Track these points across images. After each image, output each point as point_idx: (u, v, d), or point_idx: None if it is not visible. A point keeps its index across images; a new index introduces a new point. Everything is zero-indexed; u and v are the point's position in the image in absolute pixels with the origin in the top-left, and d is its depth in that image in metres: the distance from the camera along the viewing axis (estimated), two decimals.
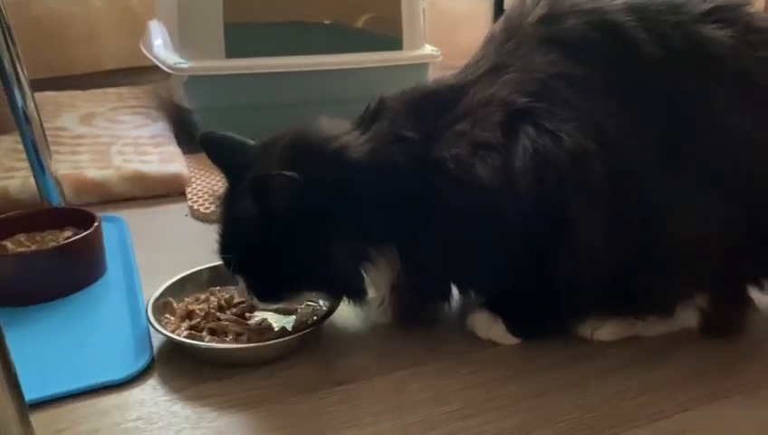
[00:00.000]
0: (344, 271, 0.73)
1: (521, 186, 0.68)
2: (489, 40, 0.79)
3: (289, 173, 0.67)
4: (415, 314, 0.81)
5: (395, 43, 1.55)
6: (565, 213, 0.68)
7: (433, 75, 1.59)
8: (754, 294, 0.80)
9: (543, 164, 0.68)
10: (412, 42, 1.55)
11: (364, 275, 0.75)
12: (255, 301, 0.77)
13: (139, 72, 1.99)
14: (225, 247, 0.75)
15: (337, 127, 0.77)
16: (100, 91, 1.85)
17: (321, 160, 0.72)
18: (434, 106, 0.75)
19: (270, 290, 0.76)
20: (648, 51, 0.69)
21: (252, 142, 0.80)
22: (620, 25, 0.70)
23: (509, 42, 0.75)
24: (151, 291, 0.83)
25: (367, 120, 0.77)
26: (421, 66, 1.56)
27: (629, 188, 0.68)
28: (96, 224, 0.92)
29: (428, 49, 1.58)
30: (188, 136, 1.53)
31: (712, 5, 0.71)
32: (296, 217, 0.70)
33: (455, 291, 0.81)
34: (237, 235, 0.74)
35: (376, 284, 0.78)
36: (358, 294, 0.76)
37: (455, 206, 0.71)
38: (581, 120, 0.68)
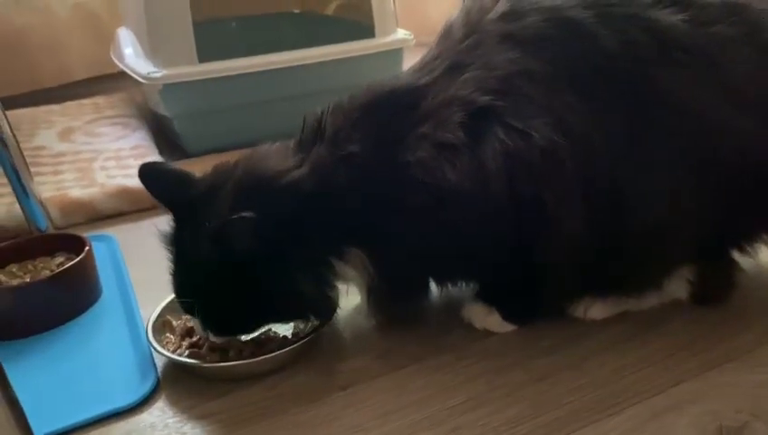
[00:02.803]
0: (310, 297, 0.74)
1: (494, 187, 0.69)
2: (446, 34, 0.78)
3: (247, 214, 0.67)
4: (395, 312, 0.81)
5: (367, 30, 1.55)
6: (542, 206, 0.70)
7: (407, 58, 1.59)
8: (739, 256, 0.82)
9: (516, 164, 0.69)
10: (384, 28, 1.54)
11: (330, 294, 0.76)
12: (212, 336, 0.76)
13: (111, 79, 1.97)
14: (184, 291, 0.76)
15: (281, 155, 0.76)
16: (74, 103, 1.83)
17: (271, 197, 0.72)
18: (391, 108, 0.75)
19: (230, 326, 0.76)
20: (606, 45, 0.70)
21: (193, 174, 0.79)
22: (579, 22, 0.71)
23: (468, 38, 0.75)
24: (149, 308, 0.84)
25: (307, 142, 0.76)
26: (395, 52, 1.55)
27: (599, 176, 0.70)
28: (87, 248, 0.92)
29: (401, 34, 1.57)
30: (169, 143, 1.53)
31: None
32: (257, 256, 0.70)
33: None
34: (197, 278, 0.74)
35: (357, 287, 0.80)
36: (326, 315, 0.78)
37: (423, 208, 0.71)
38: (547, 116, 0.69)
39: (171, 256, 0.76)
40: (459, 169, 0.70)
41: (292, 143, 0.78)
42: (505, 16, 0.74)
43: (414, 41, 1.58)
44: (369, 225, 0.73)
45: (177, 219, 0.77)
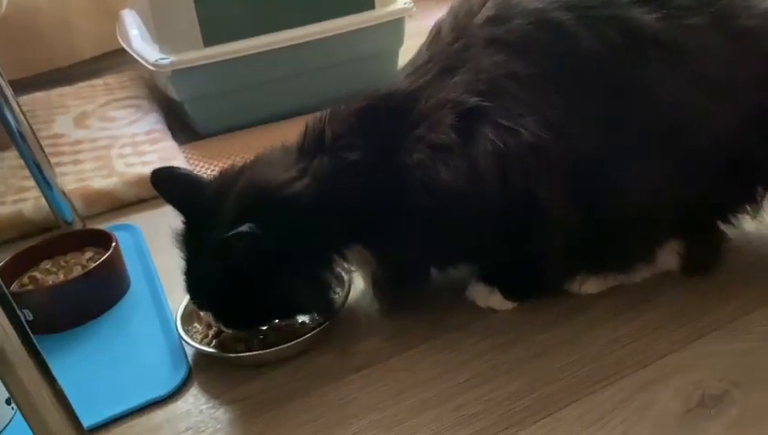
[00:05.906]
0: (309, 299, 0.80)
1: (486, 183, 0.74)
2: (436, 39, 0.82)
3: (247, 229, 0.72)
4: (399, 297, 0.87)
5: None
6: (533, 197, 0.75)
7: (408, 26, 1.61)
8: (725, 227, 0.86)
9: (507, 160, 0.73)
10: None
11: (330, 295, 0.82)
12: (223, 328, 0.83)
13: (119, 55, 2.00)
14: (195, 292, 0.82)
15: (284, 164, 0.80)
16: (86, 84, 1.87)
17: (273, 208, 0.76)
18: (387, 113, 0.79)
19: (238, 322, 0.82)
20: (587, 45, 0.74)
21: (203, 178, 0.85)
22: (561, 24, 0.75)
23: (457, 42, 0.79)
24: (175, 295, 0.90)
25: (309, 150, 0.80)
26: (396, 22, 1.57)
27: (582, 167, 0.75)
28: (114, 244, 0.99)
29: (401, 3, 1.59)
30: (180, 123, 1.58)
31: None
32: (259, 264, 0.75)
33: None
34: (205, 281, 0.80)
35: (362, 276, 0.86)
36: (326, 312, 0.83)
37: (423, 207, 0.76)
38: (533, 114, 0.73)
39: (183, 257, 0.82)
40: (453, 168, 0.74)
41: (294, 148, 0.82)
42: (491, 21, 0.78)
43: (414, 8, 1.59)
44: (371, 226, 0.78)
45: (187, 222, 0.83)
